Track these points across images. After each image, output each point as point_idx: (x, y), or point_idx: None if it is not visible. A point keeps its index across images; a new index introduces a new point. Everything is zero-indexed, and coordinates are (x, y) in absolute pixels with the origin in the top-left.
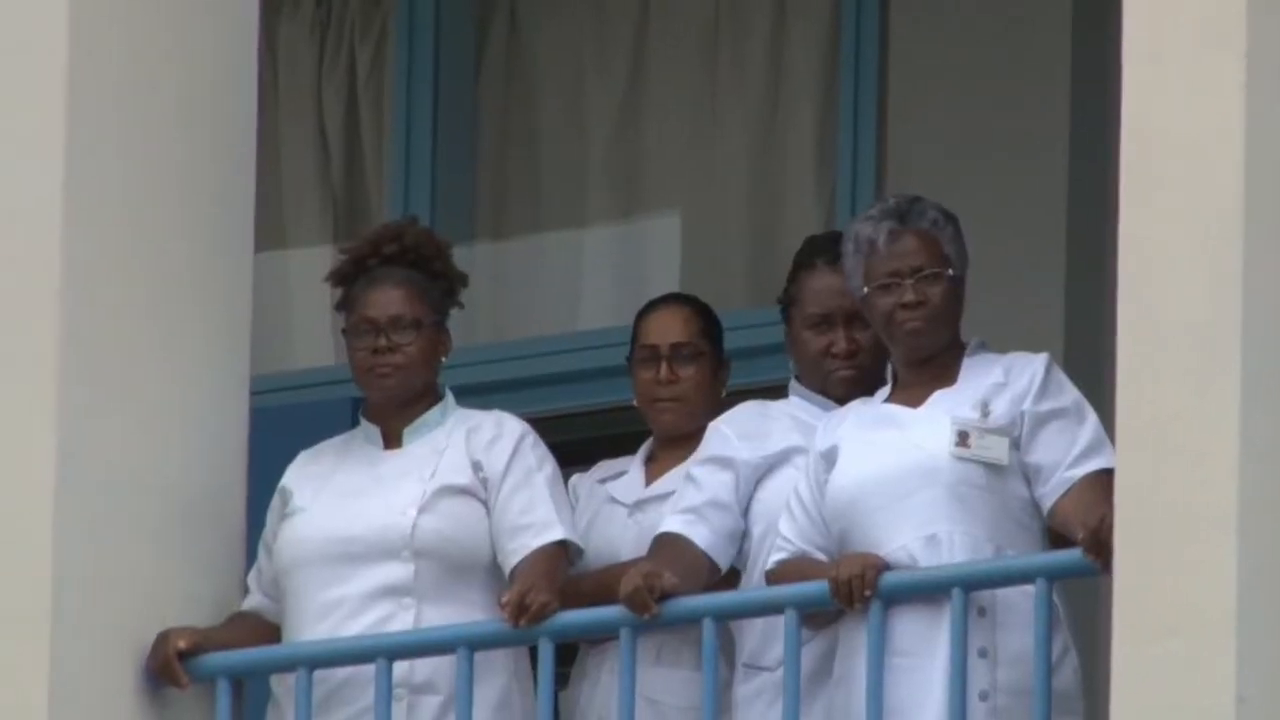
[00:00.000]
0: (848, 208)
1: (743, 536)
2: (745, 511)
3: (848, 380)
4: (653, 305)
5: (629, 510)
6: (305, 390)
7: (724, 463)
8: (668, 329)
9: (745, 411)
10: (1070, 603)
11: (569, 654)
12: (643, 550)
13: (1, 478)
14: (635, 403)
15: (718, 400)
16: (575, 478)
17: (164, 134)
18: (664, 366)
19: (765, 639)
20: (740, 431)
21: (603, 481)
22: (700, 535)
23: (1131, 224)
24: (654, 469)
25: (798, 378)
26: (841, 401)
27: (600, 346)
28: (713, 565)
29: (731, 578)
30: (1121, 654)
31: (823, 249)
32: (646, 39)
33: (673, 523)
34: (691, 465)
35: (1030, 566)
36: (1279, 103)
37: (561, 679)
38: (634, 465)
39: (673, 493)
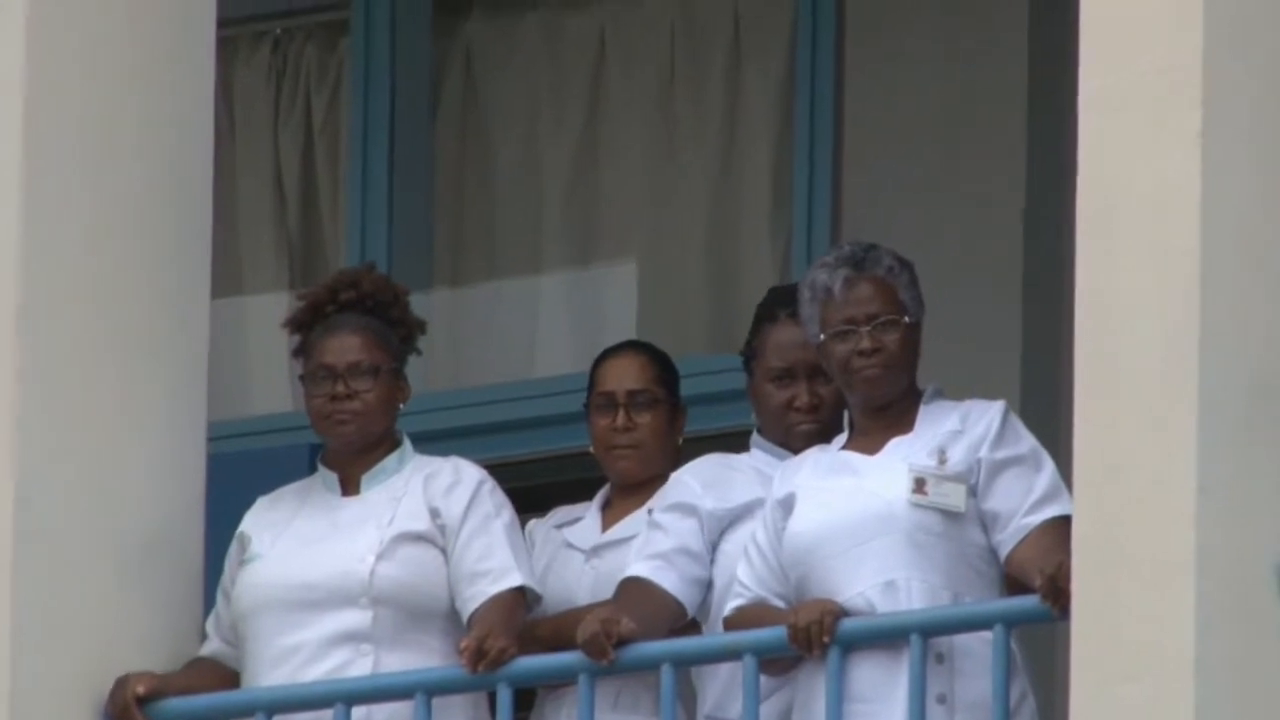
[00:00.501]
0: (804, 254)
1: (709, 583)
2: (711, 559)
3: (810, 434)
4: (609, 352)
5: (585, 556)
6: (263, 436)
7: (689, 510)
8: (624, 376)
9: (707, 462)
10: (1028, 648)
11: (528, 699)
12: (599, 595)
13: None
14: (591, 449)
15: (675, 447)
16: (532, 523)
17: (120, 179)
18: (621, 413)
19: (728, 690)
20: (703, 481)
21: (559, 527)
22: (669, 580)
23: (1088, 271)
24: (610, 515)
25: (759, 430)
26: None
27: (557, 394)
28: (680, 610)
29: (691, 629)
30: (1080, 699)
31: (785, 301)
32: (602, 86)
33: (640, 568)
34: (656, 513)
35: (988, 613)
36: (1236, 152)
37: None
38: (590, 511)
39: (631, 538)
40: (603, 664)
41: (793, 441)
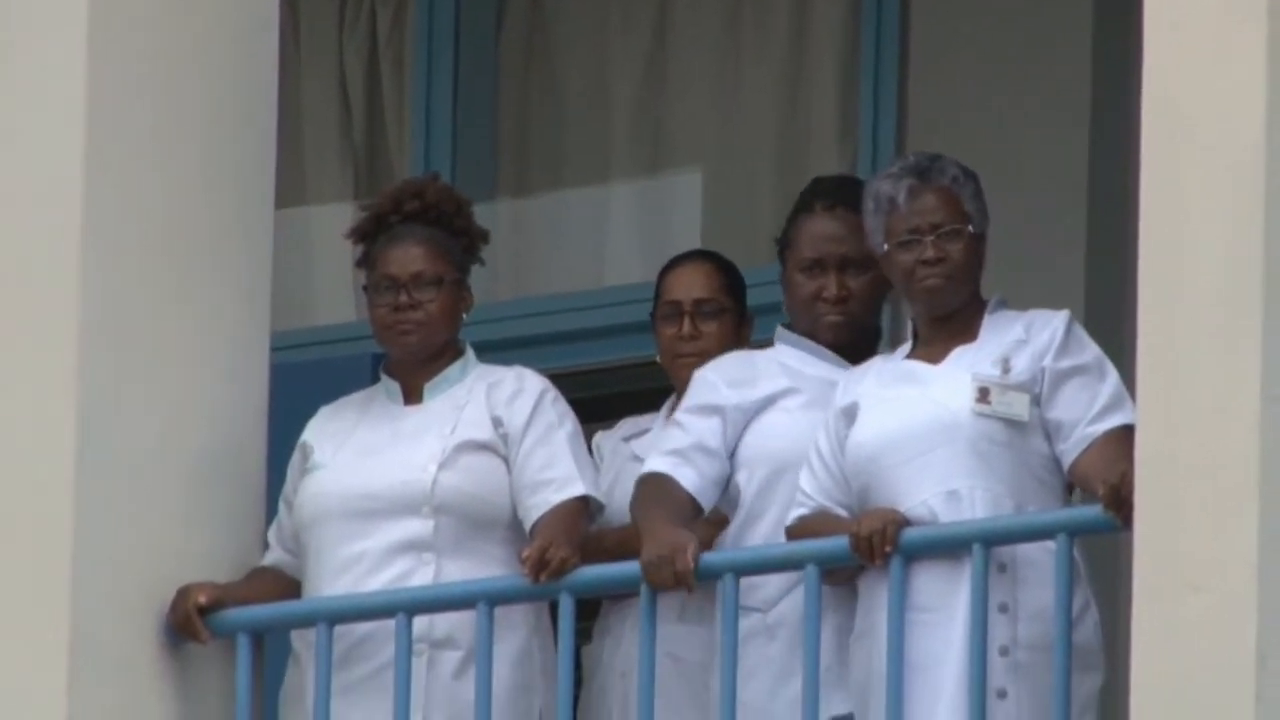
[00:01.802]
0: (869, 165)
1: (727, 481)
2: (732, 455)
3: (836, 325)
4: (676, 261)
5: None
6: (326, 346)
7: (711, 409)
8: (691, 285)
9: (731, 359)
10: (1091, 559)
11: (590, 609)
12: None
13: (23, 439)
14: (658, 359)
15: None
16: (599, 435)
17: (185, 94)
18: (687, 322)
19: (749, 579)
20: (728, 378)
21: (627, 439)
22: (686, 477)
23: (1153, 181)
24: None
25: (785, 325)
26: (830, 346)
27: (622, 303)
28: (697, 507)
29: (718, 525)
30: (1142, 610)
31: (823, 192)
32: None
33: (658, 463)
34: (678, 412)
35: (1051, 522)
36: None
37: (583, 634)
38: (658, 422)
39: None
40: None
41: (819, 333)
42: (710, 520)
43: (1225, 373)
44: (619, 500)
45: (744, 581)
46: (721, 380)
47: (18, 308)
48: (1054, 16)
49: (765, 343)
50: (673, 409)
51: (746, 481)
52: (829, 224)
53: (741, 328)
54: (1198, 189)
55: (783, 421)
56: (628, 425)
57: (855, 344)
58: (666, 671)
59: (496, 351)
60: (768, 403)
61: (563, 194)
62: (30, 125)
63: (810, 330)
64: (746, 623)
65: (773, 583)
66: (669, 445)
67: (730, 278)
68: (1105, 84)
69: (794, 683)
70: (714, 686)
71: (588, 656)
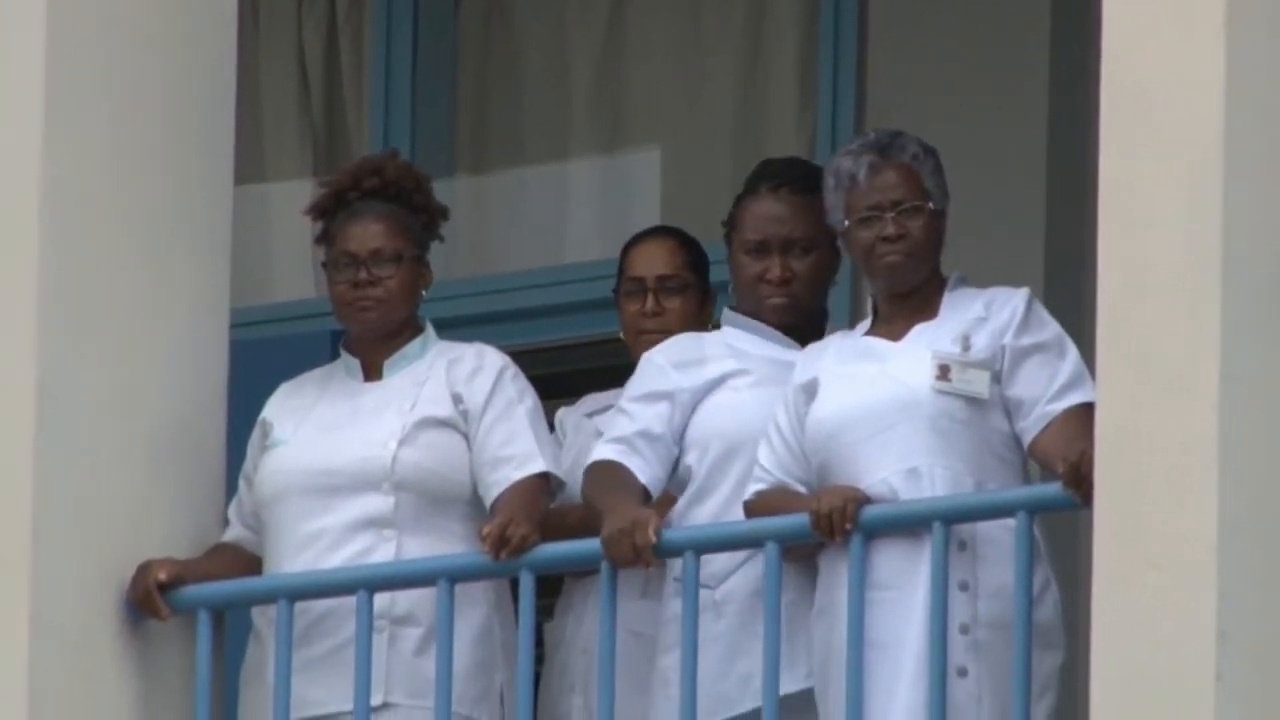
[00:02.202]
0: (829, 142)
1: (675, 463)
2: (680, 438)
3: (779, 307)
4: (639, 237)
5: None
6: (285, 323)
7: (658, 395)
8: (654, 261)
9: (679, 341)
10: (1051, 537)
11: (551, 586)
12: None
13: None
14: (621, 335)
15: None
16: (562, 411)
17: (144, 67)
18: (650, 298)
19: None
20: (675, 361)
21: (590, 415)
22: (634, 464)
23: (1112, 159)
24: None
25: (731, 307)
26: (775, 328)
27: (581, 280)
28: (646, 493)
29: (665, 503)
30: (1102, 588)
31: (768, 174)
32: None
33: (605, 450)
34: (623, 400)
35: (1011, 500)
36: (1259, 40)
37: (545, 611)
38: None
39: None
40: (652, 569)
41: (763, 314)
42: (660, 500)
43: (1185, 351)
44: (579, 475)
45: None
46: (669, 363)
47: None
48: None
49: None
50: None
51: (698, 461)
52: (773, 205)
53: (705, 304)
54: (1157, 167)
55: (732, 400)
56: (590, 401)
57: (800, 326)
58: (629, 647)
59: (456, 328)
60: (717, 383)
61: (522, 171)
62: None
63: (755, 311)
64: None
65: (720, 559)
66: (615, 433)
67: (694, 254)
68: (1064, 61)
69: (742, 660)
70: (661, 663)
71: (549, 633)
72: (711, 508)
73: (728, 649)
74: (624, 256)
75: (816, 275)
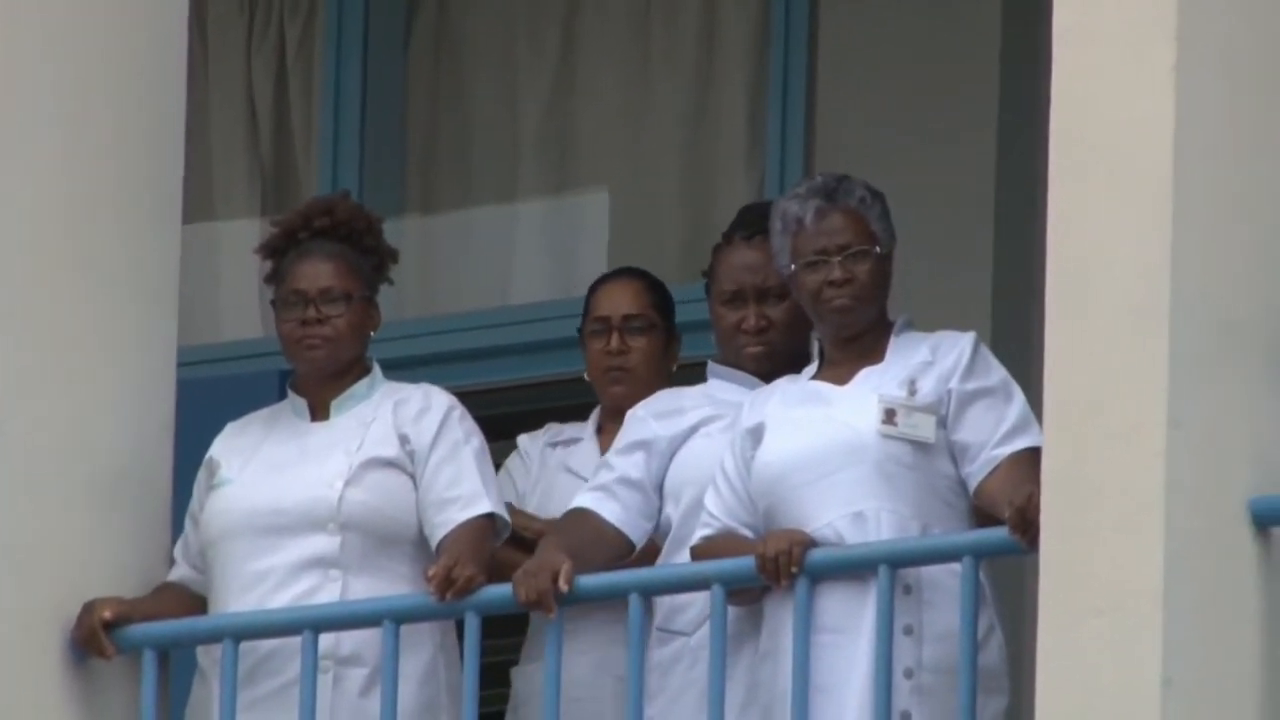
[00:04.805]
0: (777, 185)
1: (657, 512)
2: (659, 487)
3: (757, 356)
4: (606, 278)
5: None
6: (233, 362)
7: (636, 445)
8: (619, 301)
9: (661, 395)
10: (996, 581)
11: (502, 627)
12: None
13: None
14: (586, 375)
15: (668, 373)
16: (524, 438)
17: (93, 105)
18: (615, 338)
19: (675, 603)
20: (655, 412)
21: (553, 445)
22: (610, 510)
23: (1061, 204)
24: (605, 440)
25: (714, 359)
26: (756, 375)
27: (529, 321)
28: (625, 540)
29: (646, 557)
30: (1047, 633)
31: (740, 224)
32: (578, 13)
33: (583, 498)
34: (609, 452)
35: (957, 544)
36: (1209, 84)
37: (494, 651)
38: (587, 435)
39: None
40: (550, 617)
41: (743, 363)
42: (645, 550)
43: (1131, 396)
44: (552, 511)
45: (669, 605)
46: (650, 415)
47: None
48: (962, 37)
49: (687, 362)
50: (599, 424)
51: (674, 509)
52: (747, 255)
53: (669, 345)
54: (1104, 211)
55: (704, 447)
56: (552, 430)
57: (780, 372)
58: (616, 693)
59: (403, 369)
60: (692, 431)
61: (470, 212)
62: None
63: (735, 361)
64: (672, 646)
65: (697, 605)
66: (595, 481)
67: (659, 295)
68: (1012, 104)
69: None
70: (647, 711)
71: (520, 679)
72: (688, 556)
73: (705, 694)
74: (590, 296)
75: (793, 321)
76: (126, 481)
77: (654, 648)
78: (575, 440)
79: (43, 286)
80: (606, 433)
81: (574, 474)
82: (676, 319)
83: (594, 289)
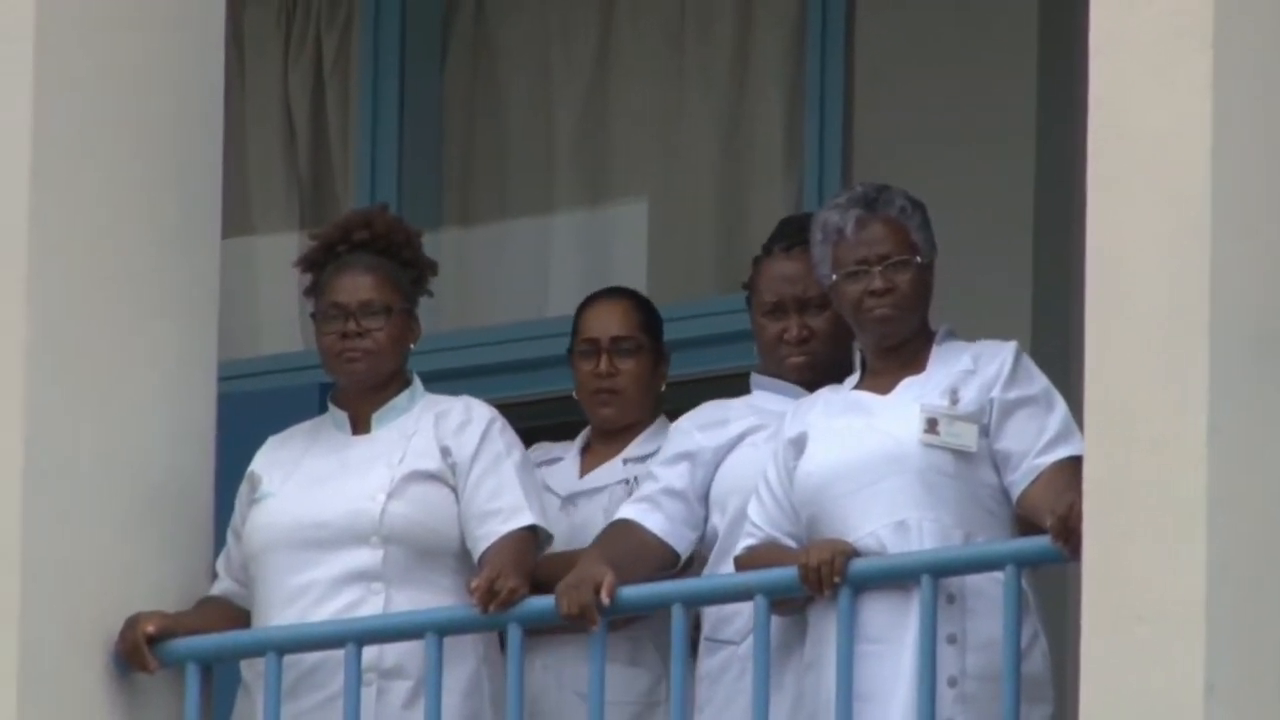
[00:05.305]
0: (815, 194)
1: (702, 522)
2: (705, 498)
3: (800, 366)
4: (593, 298)
5: (561, 503)
6: (273, 376)
7: (680, 456)
8: (608, 322)
9: (706, 406)
10: (1039, 589)
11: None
12: (573, 545)
13: None
14: (575, 395)
15: (657, 393)
16: None
17: (130, 120)
18: (604, 359)
19: (722, 613)
20: (699, 423)
21: (541, 465)
22: (655, 521)
23: (1099, 213)
24: (588, 460)
25: (756, 370)
26: (799, 385)
27: (566, 334)
28: (670, 551)
29: (690, 569)
30: (1090, 641)
31: (780, 235)
32: (613, 25)
33: (627, 510)
34: (651, 464)
35: (1000, 553)
36: (1246, 92)
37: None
38: (570, 454)
39: (604, 487)
40: (593, 630)
41: (785, 374)
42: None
43: (1172, 402)
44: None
45: (717, 615)
46: (694, 426)
47: None
48: (999, 42)
49: (710, 374)
50: (585, 443)
51: (720, 519)
52: (787, 266)
53: (658, 365)
54: (1143, 219)
55: (749, 456)
56: (540, 450)
57: (823, 381)
58: (577, 714)
59: (440, 381)
60: (737, 441)
61: (507, 224)
62: None
63: (778, 372)
64: (720, 656)
65: (745, 614)
66: (639, 493)
67: (647, 315)
68: (1050, 110)
69: (769, 716)
70: None
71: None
72: (732, 566)
73: (751, 704)
74: (578, 317)
75: (835, 331)
76: (168, 496)
77: (702, 657)
78: (558, 460)
79: (83, 303)
80: (592, 452)
81: (552, 493)
82: (712, 330)
83: (582, 309)
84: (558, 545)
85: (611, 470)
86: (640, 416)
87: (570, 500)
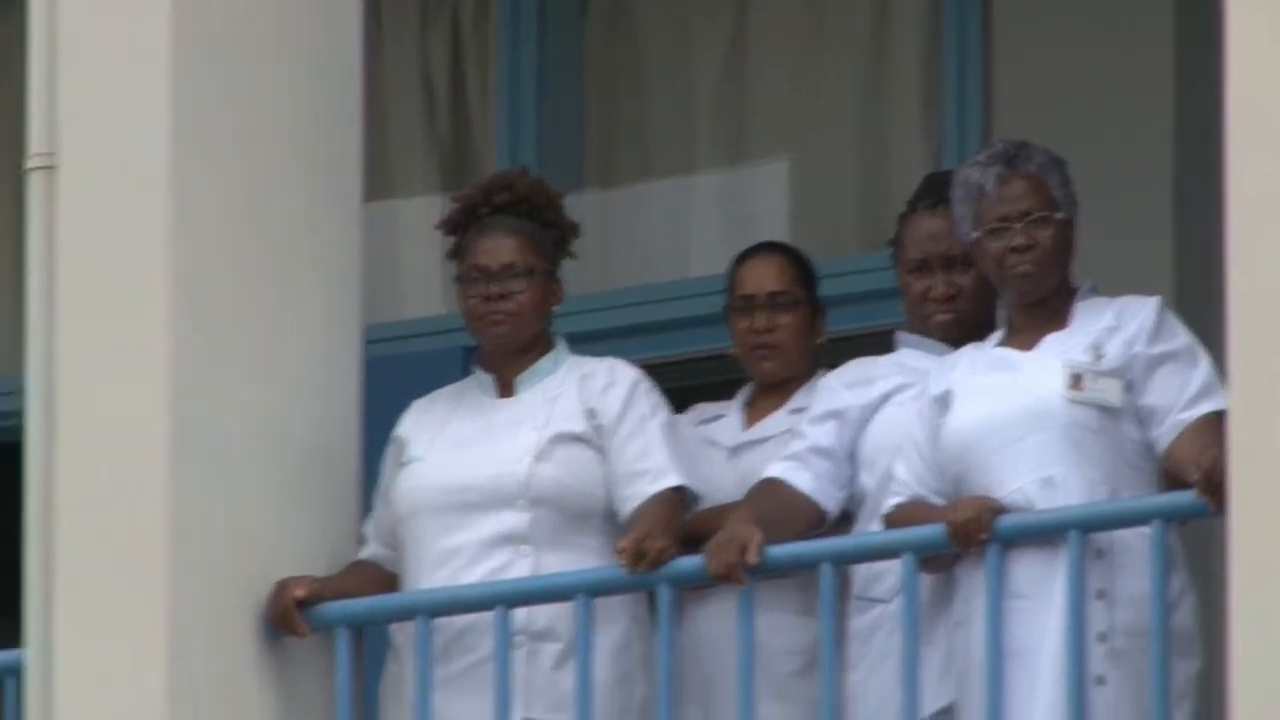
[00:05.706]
0: (955, 151)
1: (850, 480)
2: (852, 455)
3: (945, 324)
4: (748, 254)
5: (728, 454)
6: (417, 339)
7: (828, 415)
8: (764, 278)
9: (852, 364)
10: (1186, 544)
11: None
12: (743, 493)
13: (118, 432)
14: (733, 351)
15: (815, 347)
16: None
17: (271, 86)
18: (761, 315)
19: (873, 570)
20: (847, 381)
21: (700, 424)
22: (802, 479)
23: (1239, 171)
24: (753, 414)
25: (901, 328)
26: (945, 342)
27: (709, 293)
28: (818, 509)
29: (842, 525)
30: (1238, 595)
31: (922, 193)
32: None
33: (774, 468)
34: (800, 423)
35: (1146, 508)
36: None
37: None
38: (733, 409)
39: (771, 437)
40: (741, 589)
41: (931, 331)
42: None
43: None
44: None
45: (867, 572)
46: (841, 384)
47: (110, 306)
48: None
49: (854, 333)
50: (749, 398)
51: (869, 477)
52: (932, 223)
53: (815, 319)
54: None
55: (896, 415)
56: (701, 410)
57: (969, 339)
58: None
59: (583, 343)
60: (884, 399)
61: (649, 185)
62: (118, 121)
63: (924, 329)
64: (871, 614)
65: (895, 572)
66: (787, 451)
67: (802, 269)
68: (1189, 66)
69: (919, 672)
70: (849, 679)
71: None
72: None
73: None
74: (733, 273)
75: (981, 288)
76: (315, 461)
77: (853, 616)
78: (719, 416)
79: (227, 270)
80: (756, 406)
81: (716, 445)
82: (854, 289)
83: (736, 265)
84: (725, 496)
85: (778, 421)
86: (800, 370)
87: (737, 451)
